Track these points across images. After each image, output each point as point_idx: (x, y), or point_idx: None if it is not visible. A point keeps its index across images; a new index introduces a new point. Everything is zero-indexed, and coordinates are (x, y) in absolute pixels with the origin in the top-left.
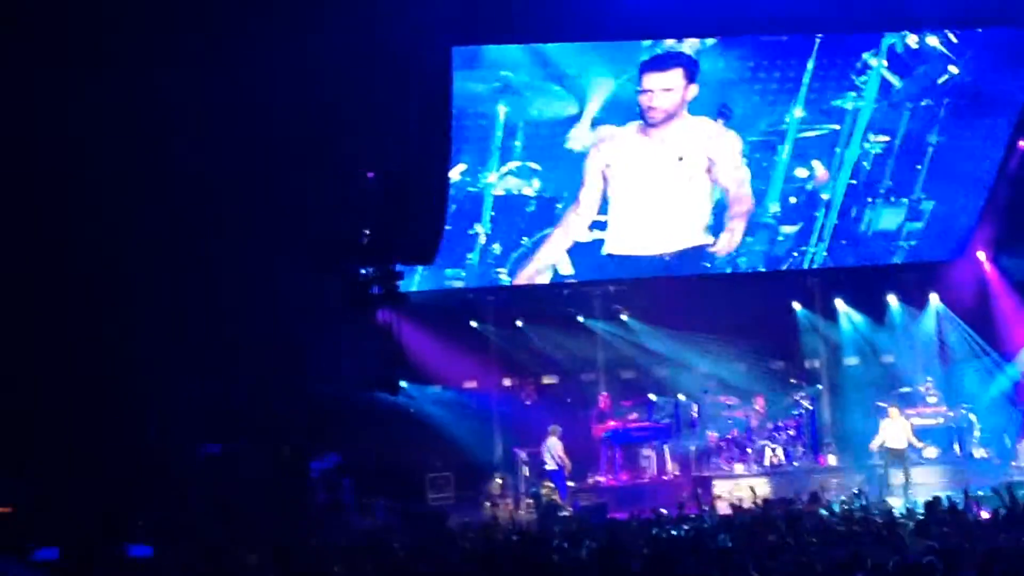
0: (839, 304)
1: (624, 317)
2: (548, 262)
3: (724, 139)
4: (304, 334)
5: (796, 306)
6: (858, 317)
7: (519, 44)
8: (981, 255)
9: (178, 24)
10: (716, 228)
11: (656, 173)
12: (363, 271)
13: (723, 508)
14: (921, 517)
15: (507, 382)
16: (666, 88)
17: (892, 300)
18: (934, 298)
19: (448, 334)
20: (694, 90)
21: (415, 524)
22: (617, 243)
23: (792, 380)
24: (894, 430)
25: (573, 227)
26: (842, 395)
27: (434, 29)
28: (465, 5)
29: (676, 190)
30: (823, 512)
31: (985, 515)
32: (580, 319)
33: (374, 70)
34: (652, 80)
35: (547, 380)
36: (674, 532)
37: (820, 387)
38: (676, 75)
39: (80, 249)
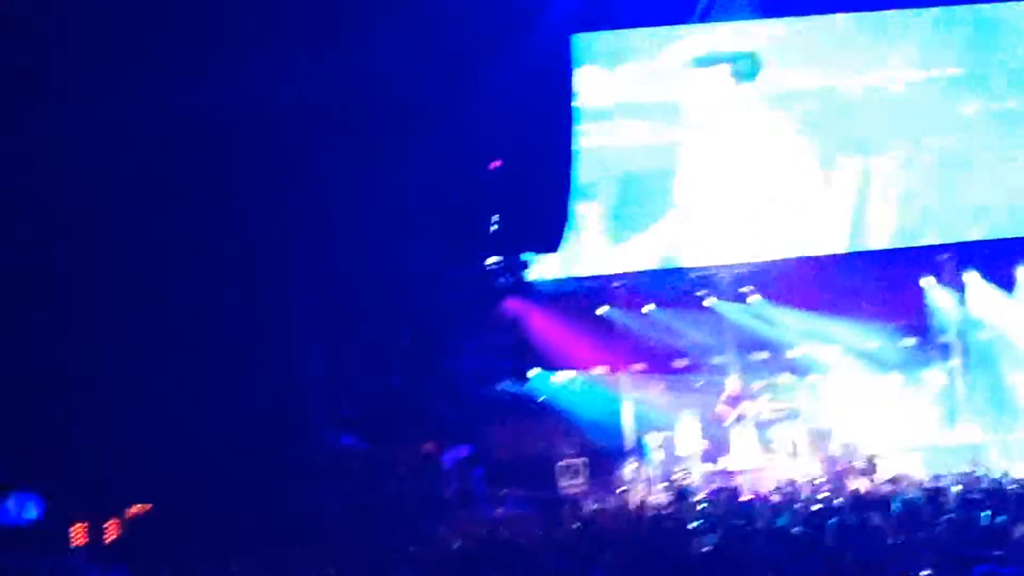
0: (970, 278)
1: (753, 298)
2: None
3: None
4: (436, 325)
5: (927, 281)
6: (991, 290)
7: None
8: None
9: (302, 7)
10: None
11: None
12: (491, 261)
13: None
14: None
15: (636, 367)
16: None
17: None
18: None
19: (575, 321)
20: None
21: (547, 512)
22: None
23: (924, 356)
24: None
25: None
26: (976, 370)
27: (554, 16)
28: None
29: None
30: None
31: None
32: (708, 302)
33: (497, 59)
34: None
35: (677, 364)
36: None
37: (954, 362)
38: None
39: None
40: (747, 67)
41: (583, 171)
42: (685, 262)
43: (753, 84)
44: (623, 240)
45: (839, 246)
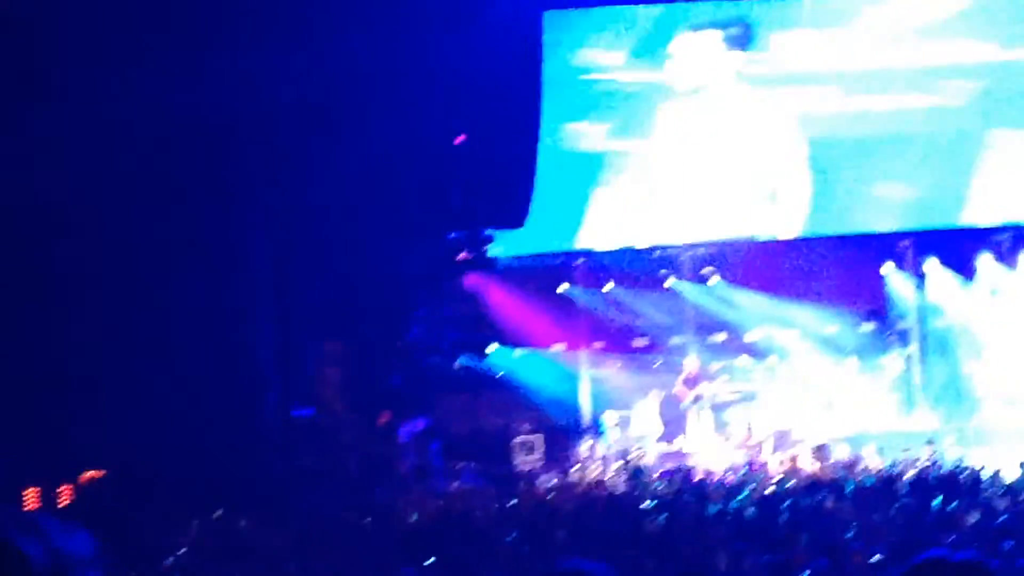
0: (930, 265)
1: (713, 280)
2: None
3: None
4: (395, 297)
5: (887, 267)
6: (949, 278)
7: (612, 6)
8: None
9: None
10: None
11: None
12: (453, 236)
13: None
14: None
15: (595, 345)
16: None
17: (984, 260)
18: None
19: (536, 298)
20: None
21: (502, 487)
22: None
23: (882, 342)
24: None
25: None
26: (933, 356)
27: None
28: None
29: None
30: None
31: None
32: (669, 282)
33: (464, 34)
34: (674, 44)
35: (636, 343)
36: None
37: (911, 348)
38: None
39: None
40: (740, 35)
41: (551, 148)
42: (647, 241)
43: (745, 54)
44: (586, 217)
45: (800, 230)
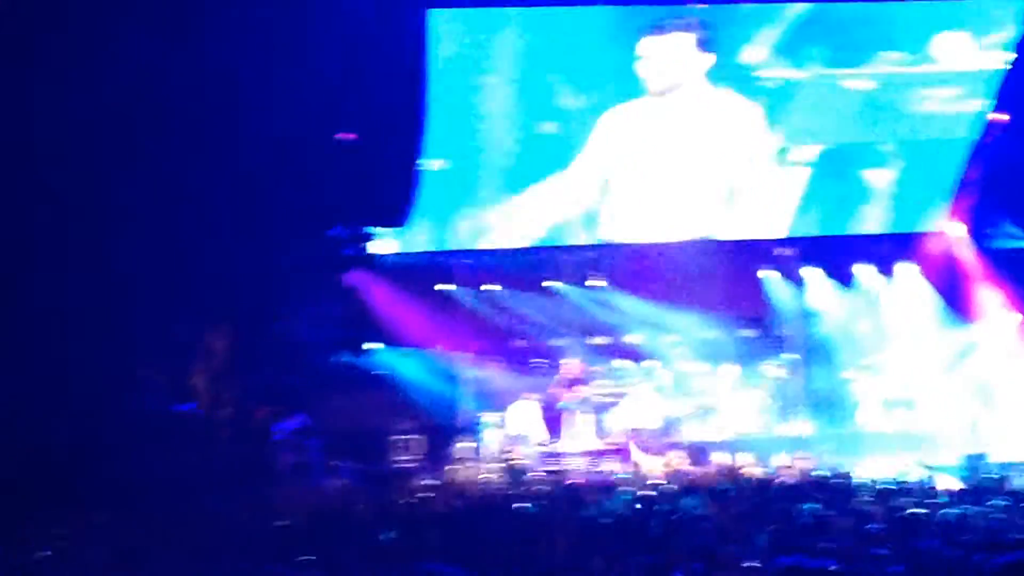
0: (809, 272)
1: (595, 282)
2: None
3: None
4: (276, 294)
5: (767, 274)
6: (829, 286)
7: (499, 7)
8: (953, 225)
9: None
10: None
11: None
12: (334, 233)
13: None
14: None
15: (475, 345)
16: (666, 55)
17: (863, 269)
18: (905, 267)
19: (417, 296)
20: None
21: (380, 486)
22: (614, 228)
23: (764, 348)
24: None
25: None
26: (811, 364)
27: None
28: None
29: (683, 171)
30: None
31: (950, 486)
32: (550, 283)
33: (347, 30)
34: (646, 45)
35: (516, 344)
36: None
37: (790, 355)
38: (676, 39)
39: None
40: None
41: (435, 145)
42: (528, 242)
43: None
44: (469, 217)
45: (686, 234)
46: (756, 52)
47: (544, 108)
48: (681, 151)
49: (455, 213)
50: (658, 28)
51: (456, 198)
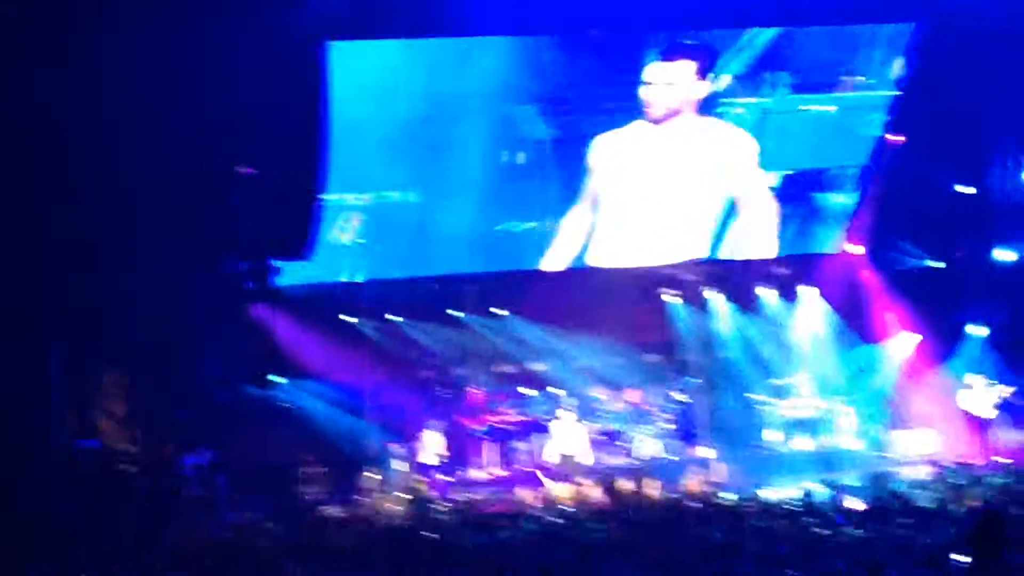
0: (712, 296)
1: (499, 310)
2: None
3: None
4: (180, 329)
5: (671, 298)
6: (733, 309)
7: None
8: (854, 247)
9: (52, 22)
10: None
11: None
12: (238, 266)
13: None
14: (793, 509)
15: (381, 376)
16: (671, 82)
17: (765, 292)
18: (808, 290)
19: (322, 328)
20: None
21: (288, 519)
22: (601, 254)
23: (667, 373)
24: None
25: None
26: (716, 388)
27: (312, 23)
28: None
29: (675, 197)
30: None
31: (855, 506)
32: (454, 312)
33: (251, 63)
34: (654, 71)
35: (422, 374)
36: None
37: (695, 380)
38: (682, 67)
39: None
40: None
41: (336, 180)
42: (434, 271)
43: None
44: (373, 248)
45: (589, 261)
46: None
47: (446, 138)
48: (645, 177)
49: (358, 244)
50: (665, 54)
51: (360, 229)
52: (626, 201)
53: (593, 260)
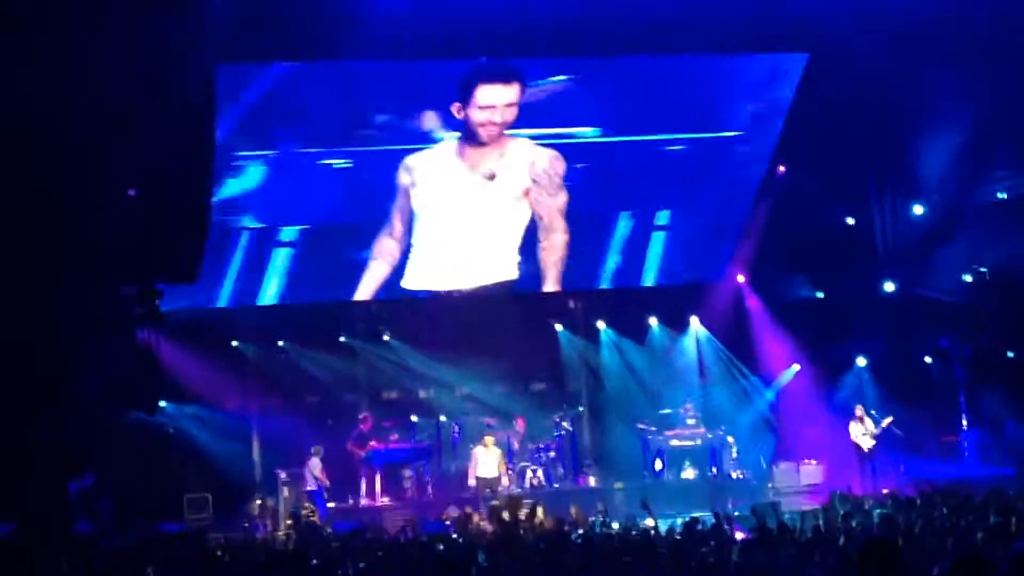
0: (600, 326)
1: (387, 337)
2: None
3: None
4: (61, 351)
5: (558, 327)
6: (619, 339)
7: (291, 62)
8: (740, 278)
9: None
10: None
11: (467, 199)
12: (124, 289)
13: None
14: (679, 537)
15: (268, 402)
16: (509, 103)
17: (653, 322)
18: (694, 320)
19: (208, 353)
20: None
21: (171, 545)
22: (415, 277)
23: (553, 401)
24: (487, 459)
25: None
26: (603, 417)
27: (200, 45)
28: (237, 22)
29: (487, 218)
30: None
31: (740, 535)
32: (342, 339)
33: (139, 85)
34: (491, 94)
35: (308, 400)
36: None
37: (581, 408)
38: (516, 90)
39: None
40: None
41: (224, 203)
42: (321, 297)
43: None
44: (261, 272)
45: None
46: None
47: (338, 159)
48: (483, 200)
49: (247, 268)
50: (499, 77)
51: (247, 253)
52: (439, 222)
53: (409, 284)
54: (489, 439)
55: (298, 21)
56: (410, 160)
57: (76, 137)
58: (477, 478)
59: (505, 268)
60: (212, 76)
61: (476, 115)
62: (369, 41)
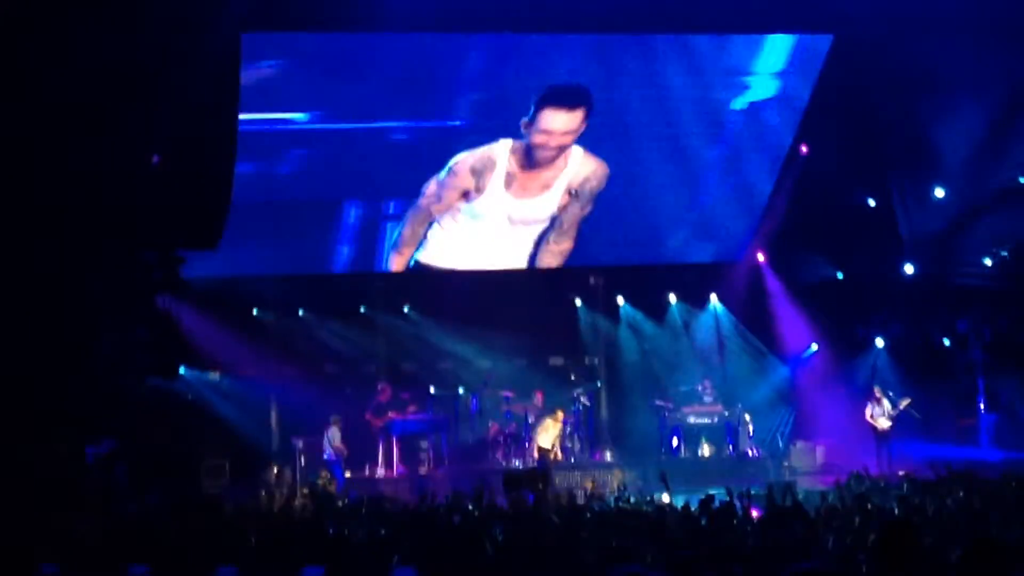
0: (620, 302)
1: (406, 309)
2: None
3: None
4: (83, 318)
5: (577, 303)
6: (638, 315)
7: (315, 33)
8: (760, 256)
9: None
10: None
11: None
12: (145, 255)
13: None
14: (696, 514)
15: (287, 371)
16: (567, 131)
17: (672, 299)
18: (713, 298)
19: (229, 321)
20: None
21: (188, 511)
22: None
23: (572, 376)
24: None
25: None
26: (620, 392)
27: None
28: None
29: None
30: (596, 506)
31: (755, 513)
32: (362, 310)
33: (165, 51)
34: (554, 120)
35: (327, 369)
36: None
37: (599, 384)
38: (579, 116)
39: None
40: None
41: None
42: (342, 268)
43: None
44: (283, 242)
45: (505, 263)
46: None
47: (366, 134)
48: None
49: (270, 237)
50: (565, 101)
51: (273, 222)
52: (477, 222)
53: (427, 259)
54: (560, 413)
55: None
56: (475, 163)
57: (101, 103)
58: (539, 447)
59: (517, 258)
60: (237, 45)
61: (536, 136)
62: (385, 16)
